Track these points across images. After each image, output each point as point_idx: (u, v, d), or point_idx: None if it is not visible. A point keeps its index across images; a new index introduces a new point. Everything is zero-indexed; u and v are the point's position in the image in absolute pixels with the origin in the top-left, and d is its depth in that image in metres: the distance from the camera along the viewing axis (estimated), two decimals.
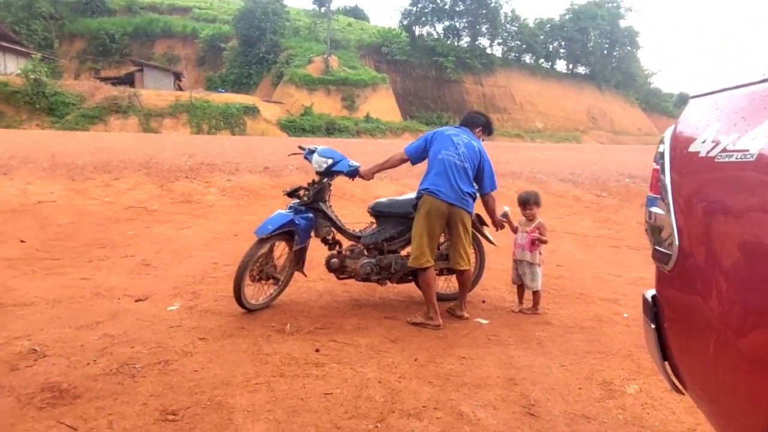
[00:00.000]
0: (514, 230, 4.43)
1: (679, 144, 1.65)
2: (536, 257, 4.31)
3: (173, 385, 2.88)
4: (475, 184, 4.09)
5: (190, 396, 2.76)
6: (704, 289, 1.43)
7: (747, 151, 1.27)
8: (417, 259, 3.97)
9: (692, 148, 1.54)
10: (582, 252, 7.03)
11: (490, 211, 4.25)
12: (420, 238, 3.96)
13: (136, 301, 4.30)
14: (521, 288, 4.46)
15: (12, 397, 2.67)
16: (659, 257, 1.67)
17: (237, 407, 2.66)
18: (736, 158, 1.31)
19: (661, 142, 1.78)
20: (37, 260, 5.42)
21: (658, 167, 1.75)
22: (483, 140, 4.34)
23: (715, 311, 1.38)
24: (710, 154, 1.43)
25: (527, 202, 4.38)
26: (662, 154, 1.73)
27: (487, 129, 4.38)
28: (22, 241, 6.18)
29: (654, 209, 1.74)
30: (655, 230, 1.73)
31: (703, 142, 1.48)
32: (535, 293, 4.36)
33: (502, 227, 4.37)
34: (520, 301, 4.47)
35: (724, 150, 1.37)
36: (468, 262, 4.11)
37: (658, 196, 1.72)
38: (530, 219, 4.39)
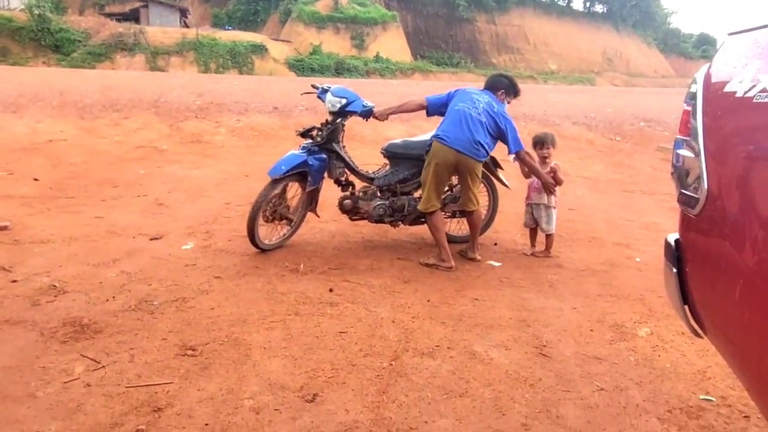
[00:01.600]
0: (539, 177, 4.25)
1: (714, 84, 1.59)
2: (552, 200, 4.28)
3: (191, 321, 2.94)
4: (490, 138, 4.02)
5: (207, 333, 2.82)
6: (733, 233, 1.41)
7: None
8: (424, 203, 4.01)
9: (728, 88, 1.48)
10: (594, 196, 6.99)
11: (533, 170, 4.17)
12: (428, 184, 3.97)
13: (151, 239, 4.34)
14: (534, 231, 4.45)
15: (35, 331, 2.74)
16: (685, 201, 1.63)
17: (254, 344, 2.72)
18: None
19: (694, 81, 1.71)
20: (52, 198, 5.46)
21: (690, 108, 1.69)
22: (509, 103, 4.26)
23: (744, 256, 1.36)
24: (748, 95, 1.38)
25: (543, 143, 4.31)
26: (694, 95, 1.67)
27: (510, 90, 4.25)
28: (36, 180, 6.20)
29: (682, 151, 1.69)
30: (682, 173, 1.69)
31: (741, 81, 1.42)
32: (549, 236, 4.36)
33: (554, 185, 4.23)
34: (533, 245, 4.47)
35: (764, 90, 1.32)
36: (476, 203, 4.11)
37: (688, 137, 1.67)
38: (545, 160, 4.33)
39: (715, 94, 1.56)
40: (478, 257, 4.20)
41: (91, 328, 2.81)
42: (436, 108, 4.17)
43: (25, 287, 3.28)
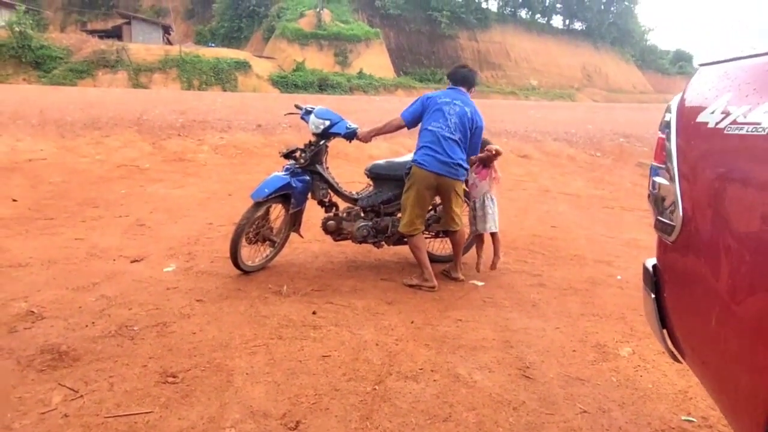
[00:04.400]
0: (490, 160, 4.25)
1: (687, 113, 1.62)
2: (493, 186, 4.27)
3: (172, 347, 2.90)
4: (465, 154, 4.03)
5: (189, 358, 2.79)
6: (709, 260, 1.43)
7: (759, 124, 1.25)
8: (407, 226, 4.00)
9: (700, 119, 1.52)
10: (576, 213, 7.05)
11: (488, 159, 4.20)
12: (411, 207, 3.97)
13: (132, 262, 4.30)
14: (480, 239, 4.40)
15: (12, 360, 2.69)
16: (662, 227, 1.66)
17: (236, 369, 2.69)
18: (747, 131, 1.29)
19: (667, 110, 1.75)
20: (30, 220, 5.38)
21: (664, 136, 1.73)
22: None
23: (719, 283, 1.38)
24: (719, 126, 1.41)
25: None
26: (668, 124, 1.71)
27: (476, 84, 4.30)
28: (14, 201, 6.12)
29: (658, 179, 1.72)
30: (658, 200, 1.72)
31: (712, 112, 1.46)
32: (494, 236, 4.32)
33: (488, 159, 4.24)
34: (480, 254, 4.37)
35: (734, 122, 1.35)
36: (459, 223, 4.12)
37: (663, 165, 1.70)
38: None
39: (688, 123, 1.59)
40: (461, 277, 4.21)
41: (69, 355, 2.76)
42: (414, 121, 4.09)
43: (2, 313, 3.21)
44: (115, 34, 40.36)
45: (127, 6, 50.98)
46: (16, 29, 30.94)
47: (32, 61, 31.42)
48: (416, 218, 3.99)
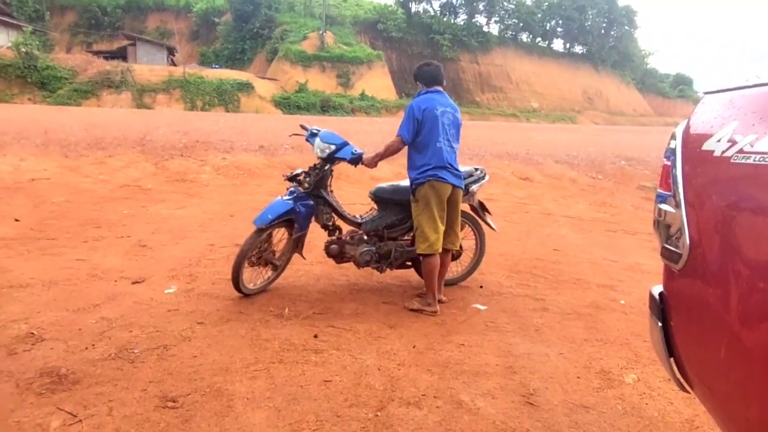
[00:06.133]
0: None
1: (692, 141, 1.62)
2: None
3: (172, 371, 2.87)
4: None
5: (189, 382, 2.76)
6: (717, 288, 1.42)
7: (766, 153, 1.24)
8: (432, 244, 3.86)
9: (706, 147, 1.51)
10: (578, 236, 7.04)
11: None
12: (433, 222, 3.86)
13: (133, 283, 4.28)
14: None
15: (10, 383, 2.66)
16: (668, 255, 1.65)
17: (237, 394, 2.66)
18: (755, 160, 1.29)
19: (672, 138, 1.75)
20: (32, 240, 5.37)
21: (669, 163, 1.72)
22: None
23: (728, 311, 1.37)
24: (725, 154, 1.41)
25: None
26: (673, 151, 1.71)
27: None
28: (17, 220, 6.12)
29: (664, 206, 1.71)
30: (664, 228, 1.71)
31: (718, 141, 1.46)
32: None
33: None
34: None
35: (740, 151, 1.35)
36: (459, 242, 4.13)
37: (669, 193, 1.69)
38: None
39: (693, 151, 1.59)
40: (444, 298, 4.18)
41: (68, 378, 2.73)
42: (413, 137, 3.95)
43: (2, 335, 3.19)
44: (121, 55, 40.82)
45: (132, 28, 51.60)
46: (23, 50, 31.34)
47: (38, 81, 31.77)
48: (441, 234, 3.90)
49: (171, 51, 46.05)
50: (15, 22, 38.49)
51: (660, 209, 1.74)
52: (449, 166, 3.88)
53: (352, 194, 7.96)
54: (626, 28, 73.79)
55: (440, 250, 3.93)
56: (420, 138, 3.92)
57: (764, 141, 1.27)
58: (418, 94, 4.02)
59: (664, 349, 1.70)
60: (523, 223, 7.63)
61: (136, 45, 42.39)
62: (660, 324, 1.71)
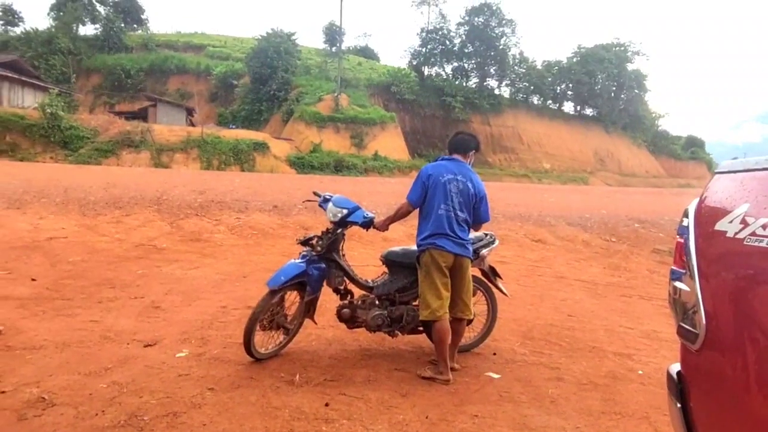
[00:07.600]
0: None
1: (704, 220, 1.64)
2: None
3: None
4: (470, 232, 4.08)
5: None
6: (736, 369, 1.41)
7: None
8: (434, 311, 3.85)
9: (718, 227, 1.53)
10: (593, 301, 6.96)
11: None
12: (435, 290, 3.88)
13: (145, 346, 4.27)
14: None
15: None
16: (685, 335, 1.64)
17: None
18: (767, 244, 1.31)
19: (685, 215, 1.78)
20: (48, 300, 5.42)
21: (682, 241, 1.74)
22: (472, 161, 4.24)
23: (748, 391, 1.35)
24: (738, 236, 1.43)
25: None
26: (686, 228, 1.73)
27: (478, 148, 4.30)
28: (33, 280, 6.18)
29: (679, 284, 1.72)
30: (679, 306, 1.71)
31: (731, 222, 1.48)
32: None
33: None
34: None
35: (753, 234, 1.37)
36: (471, 310, 4.08)
37: (683, 270, 1.70)
38: None
39: (706, 230, 1.61)
40: (458, 366, 4.13)
41: None
42: (420, 201, 4.04)
43: (14, 399, 3.19)
44: (142, 115, 42.19)
45: (154, 89, 53.48)
46: (48, 110, 32.47)
47: (60, 140, 32.80)
48: (444, 301, 3.88)
49: (190, 112, 47.49)
50: (42, 84, 40.07)
51: (675, 287, 1.74)
52: (451, 234, 3.90)
53: (365, 255, 7.98)
54: (636, 91, 75.17)
55: (443, 317, 3.89)
56: (425, 204, 4.01)
57: None
58: (434, 160, 4.12)
59: (683, 430, 1.66)
60: (536, 287, 7.57)
61: (156, 106, 43.82)
62: (679, 405, 1.68)
